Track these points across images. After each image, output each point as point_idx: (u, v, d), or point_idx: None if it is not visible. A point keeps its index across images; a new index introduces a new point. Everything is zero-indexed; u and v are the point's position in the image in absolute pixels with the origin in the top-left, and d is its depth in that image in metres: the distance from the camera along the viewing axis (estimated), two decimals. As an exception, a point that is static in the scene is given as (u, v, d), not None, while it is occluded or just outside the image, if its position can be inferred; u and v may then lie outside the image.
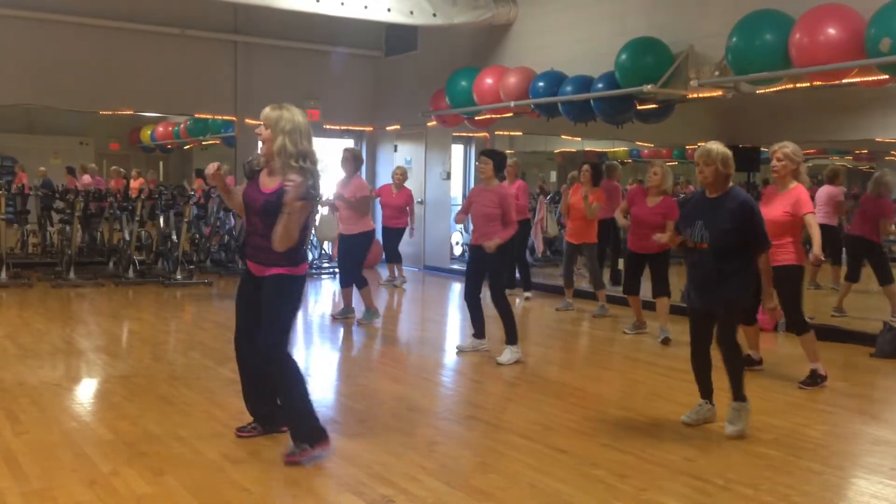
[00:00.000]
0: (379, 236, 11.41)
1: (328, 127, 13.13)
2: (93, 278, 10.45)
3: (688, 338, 4.88)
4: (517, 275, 10.07)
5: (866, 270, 8.32)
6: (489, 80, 10.42)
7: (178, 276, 10.51)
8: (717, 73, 8.05)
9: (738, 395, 4.71)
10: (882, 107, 8.59)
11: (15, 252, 11.36)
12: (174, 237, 10.87)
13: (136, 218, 10.94)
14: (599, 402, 5.44)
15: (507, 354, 6.46)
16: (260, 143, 4.15)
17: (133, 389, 5.39)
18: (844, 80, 7.22)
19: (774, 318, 6.99)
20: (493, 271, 6.58)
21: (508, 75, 10.18)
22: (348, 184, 7.95)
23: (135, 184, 12.78)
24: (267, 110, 4.10)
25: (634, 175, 12.16)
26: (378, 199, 10.83)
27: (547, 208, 11.64)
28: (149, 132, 14.06)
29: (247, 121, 12.26)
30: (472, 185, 12.03)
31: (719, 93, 8.38)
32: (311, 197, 4.04)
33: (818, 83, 7.51)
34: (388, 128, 13.63)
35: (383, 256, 11.55)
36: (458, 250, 13.05)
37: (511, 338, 6.50)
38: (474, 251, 6.65)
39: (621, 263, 9.71)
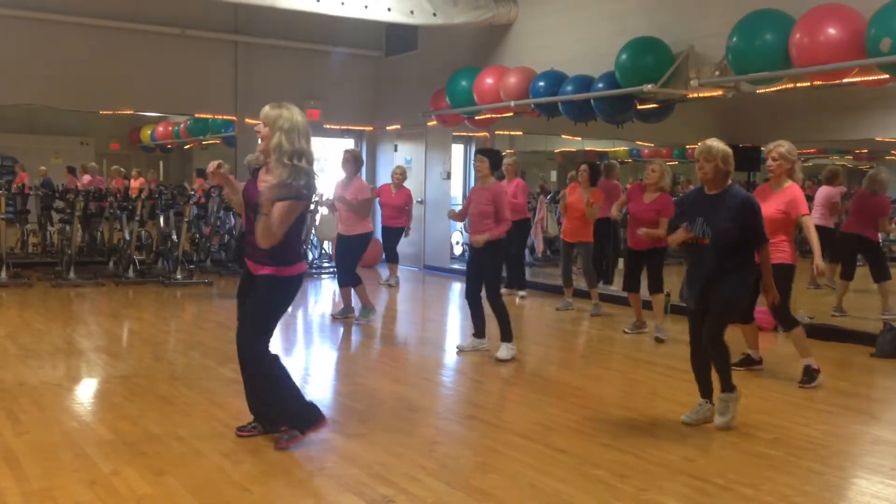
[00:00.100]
0: (378, 236, 11.42)
1: (328, 127, 13.14)
2: (93, 278, 10.45)
3: (687, 337, 4.89)
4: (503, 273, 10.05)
5: (863, 269, 8.33)
6: (489, 80, 10.42)
7: (179, 276, 10.51)
8: (717, 72, 8.05)
9: (727, 386, 4.80)
10: (882, 106, 8.59)
11: (15, 252, 11.37)
12: (174, 237, 10.87)
13: (137, 217, 10.94)
14: (599, 401, 5.44)
15: (504, 351, 6.53)
16: (259, 141, 4.16)
17: (133, 389, 5.39)
18: (845, 80, 7.22)
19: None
20: (486, 269, 6.61)
21: (509, 75, 10.18)
22: (349, 185, 7.94)
23: (135, 183, 12.79)
24: (266, 108, 4.12)
25: (635, 175, 12.15)
26: (378, 200, 10.83)
27: (547, 208, 11.64)
28: (149, 132, 14.07)
29: (247, 120, 12.26)
30: (472, 184, 12.03)
31: (719, 92, 8.38)
32: (301, 196, 4.02)
33: (818, 83, 7.51)
34: (388, 128, 13.63)
35: (383, 256, 11.55)
36: (458, 250, 13.05)
37: (506, 335, 6.57)
38: (473, 250, 6.68)
39: (621, 263, 9.71)
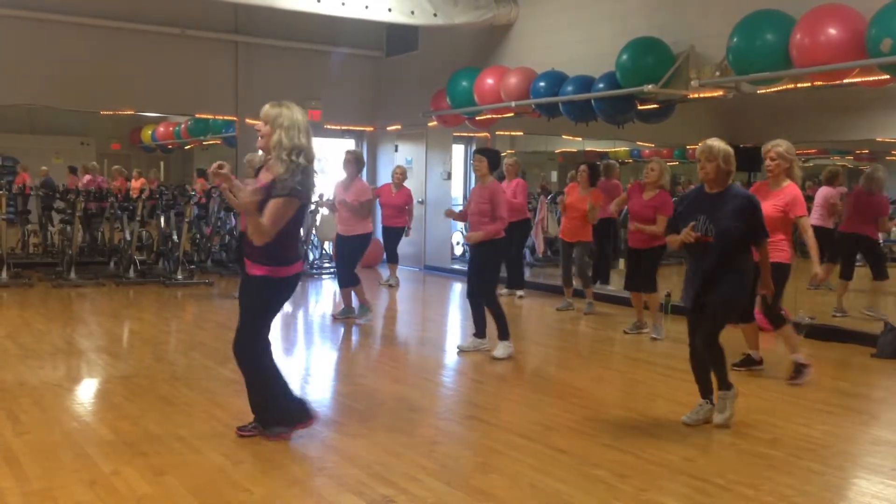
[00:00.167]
0: (379, 235, 11.42)
1: (329, 127, 13.13)
2: (94, 278, 10.46)
3: (687, 337, 4.89)
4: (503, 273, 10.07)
5: (864, 269, 8.32)
6: (490, 81, 10.42)
7: (179, 276, 10.52)
8: (717, 73, 8.05)
9: (724, 384, 4.81)
10: (883, 107, 8.58)
11: (16, 252, 11.37)
12: (175, 237, 10.88)
13: (137, 218, 10.94)
14: (600, 401, 5.44)
15: (501, 349, 6.57)
16: (259, 139, 4.16)
17: (134, 389, 5.40)
18: (845, 80, 7.22)
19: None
20: (484, 268, 6.62)
21: (509, 75, 10.18)
22: (350, 186, 7.94)
23: (136, 184, 12.79)
24: (267, 107, 4.13)
25: (635, 175, 12.14)
26: (378, 199, 10.83)
27: (548, 208, 11.63)
28: (150, 132, 14.06)
29: (247, 121, 12.25)
30: (472, 185, 12.02)
31: (720, 93, 8.38)
32: (294, 194, 4.01)
33: (819, 83, 7.51)
34: (388, 128, 13.62)
35: (384, 256, 11.55)
36: (458, 250, 13.05)
37: (503, 333, 6.60)
38: (473, 249, 6.70)
39: (622, 263, 9.72)
